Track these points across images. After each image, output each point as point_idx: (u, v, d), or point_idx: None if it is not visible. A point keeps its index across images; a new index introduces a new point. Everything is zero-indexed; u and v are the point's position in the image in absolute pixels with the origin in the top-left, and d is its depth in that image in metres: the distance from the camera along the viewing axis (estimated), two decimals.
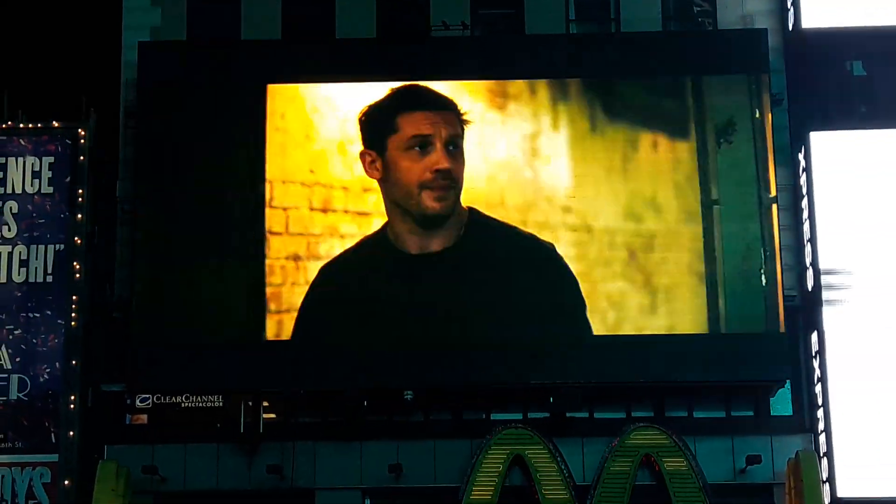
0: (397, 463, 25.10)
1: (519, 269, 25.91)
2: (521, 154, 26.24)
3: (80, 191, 26.49)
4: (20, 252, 26.17)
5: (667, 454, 24.94)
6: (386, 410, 25.77)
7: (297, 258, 25.78)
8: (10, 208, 26.32)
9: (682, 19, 28.11)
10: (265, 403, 25.95)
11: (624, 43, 27.23)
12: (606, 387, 25.43)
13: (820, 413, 25.07)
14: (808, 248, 25.82)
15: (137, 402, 25.86)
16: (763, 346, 25.25)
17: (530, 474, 24.92)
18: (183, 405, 25.89)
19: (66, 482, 25.18)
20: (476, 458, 25.00)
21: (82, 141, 26.77)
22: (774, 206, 25.90)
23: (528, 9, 28.15)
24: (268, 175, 26.01)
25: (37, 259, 26.15)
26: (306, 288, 25.73)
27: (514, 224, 25.99)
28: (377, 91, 26.68)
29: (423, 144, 26.04)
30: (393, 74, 26.90)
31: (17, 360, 25.63)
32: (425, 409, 25.86)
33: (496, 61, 27.00)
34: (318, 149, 26.28)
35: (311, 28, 28.35)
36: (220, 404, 25.87)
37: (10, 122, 27.07)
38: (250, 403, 25.87)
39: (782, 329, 25.38)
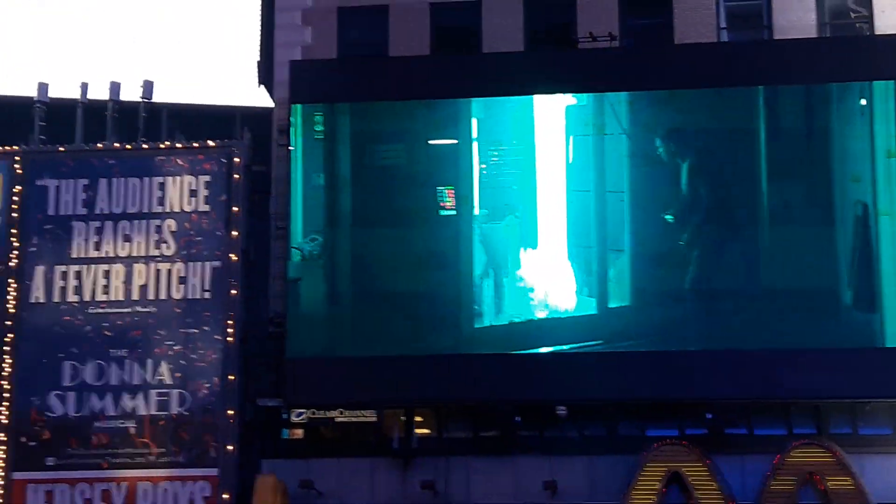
0: (552, 480, 24.92)
1: None
2: None
3: (235, 208, 26.85)
4: (179, 269, 26.65)
5: (831, 473, 24.31)
6: (539, 425, 25.66)
7: None
8: (169, 226, 26.82)
9: (839, 25, 27.57)
10: (418, 418, 26.05)
11: (777, 50, 26.73)
12: (767, 402, 24.97)
13: None
14: None
15: (293, 417, 26.15)
16: None
17: (689, 492, 24.55)
18: (338, 420, 26.09)
19: (226, 496, 25.54)
20: (633, 476, 24.73)
21: (236, 159, 27.13)
22: None
23: (677, 17, 27.81)
24: None
25: (194, 276, 26.59)
26: None
27: None
28: None
29: None
30: (539, 87, 26.81)
31: (178, 375, 26.09)
32: (579, 424, 25.70)
33: (644, 72, 26.75)
34: None
35: (459, 43, 28.46)
36: (375, 419, 26.05)
37: (167, 143, 27.60)
38: (403, 418, 26.02)
39: None
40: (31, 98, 28.82)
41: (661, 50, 27.39)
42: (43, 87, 28.88)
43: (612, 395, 25.20)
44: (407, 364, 25.46)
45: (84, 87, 29.11)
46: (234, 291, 26.40)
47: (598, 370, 25.17)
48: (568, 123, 26.51)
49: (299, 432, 26.22)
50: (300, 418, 26.14)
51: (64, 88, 29.01)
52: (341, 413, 26.05)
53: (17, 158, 27.34)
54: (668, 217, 25.69)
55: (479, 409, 25.77)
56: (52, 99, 28.78)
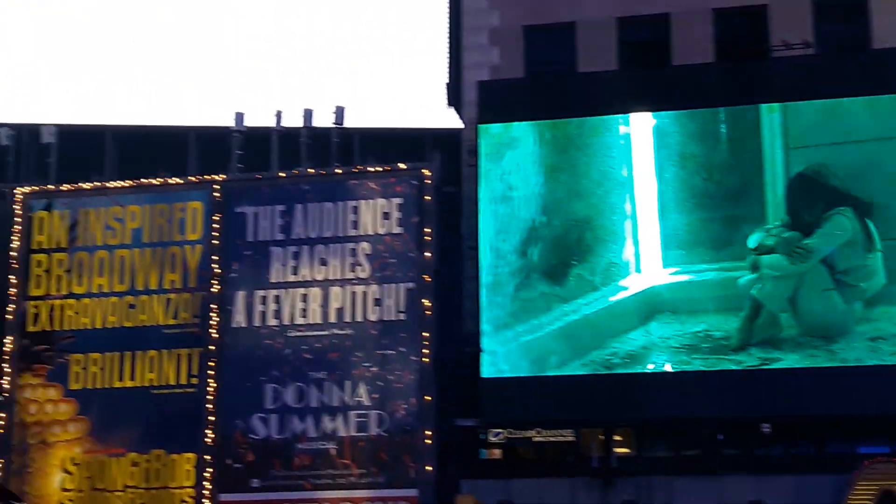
0: (758, 499, 24.26)
1: None
2: None
3: (427, 229, 26.97)
4: (374, 291, 26.89)
5: None
6: (743, 443, 25.05)
7: None
8: (363, 249, 27.10)
9: None
10: (617, 437, 25.72)
11: None
12: None
13: None
14: None
15: (491, 437, 26.10)
16: None
17: None
18: (535, 439, 25.95)
19: None
20: (843, 495, 23.92)
21: (427, 181, 27.28)
22: None
23: (874, 22, 27.00)
24: None
25: (389, 298, 26.80)
26: None
27: None
28: None
29: None
30: (731, 99, 26.27)
31: (375, 396, 26.30)
32: (786, 442, 24.98)
33: (839, 80, 25.97)
34: None
35: (647, 57, 28.16)
36: (573, 438, 25.82)
37: (360, 167, 27.95)
38: (602, 437, 25.73)
39: None
40: (229, 128, 29.60)
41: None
42: (239, 117, 29.63)
43: (820, 410, 24.47)
44: (605, 382, 25.19)
45: (279, 115, 29.77)
46: (428, 312, 26.50)
47: (804, 386, 24.48)
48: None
49: (497, 452, 26.19)
50: (497, 438, 26.09)
51: (259, 117, 29.73)
52: (539, 432, 25.92)
53: (216, 187, 28.04)
54: None
55: (680, 427, 25.32)
56: (248, 128, 29.50)
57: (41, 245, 28.39)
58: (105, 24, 33.01)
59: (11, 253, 28.24)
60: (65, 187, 28.71)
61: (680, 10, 27.89)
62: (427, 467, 25.75)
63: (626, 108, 26.47)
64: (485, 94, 27.65)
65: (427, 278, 26.71)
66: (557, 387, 25.33)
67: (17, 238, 28.32)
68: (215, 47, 32.03)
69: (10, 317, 27.95)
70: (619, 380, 25.17)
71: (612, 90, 27.00)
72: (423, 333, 26.40)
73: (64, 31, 33.08)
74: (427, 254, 26.81)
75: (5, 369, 27.68)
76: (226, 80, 32.00)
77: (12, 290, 28.04)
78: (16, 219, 28.41)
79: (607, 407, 25.16)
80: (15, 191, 28.77)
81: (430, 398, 26.09)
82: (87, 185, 28.64)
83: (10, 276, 28.10)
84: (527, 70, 28.46)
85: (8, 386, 27.46)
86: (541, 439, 25.93)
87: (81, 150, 30.63)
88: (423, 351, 26.30)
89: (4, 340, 27.84)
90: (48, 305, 28.02)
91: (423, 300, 26.56)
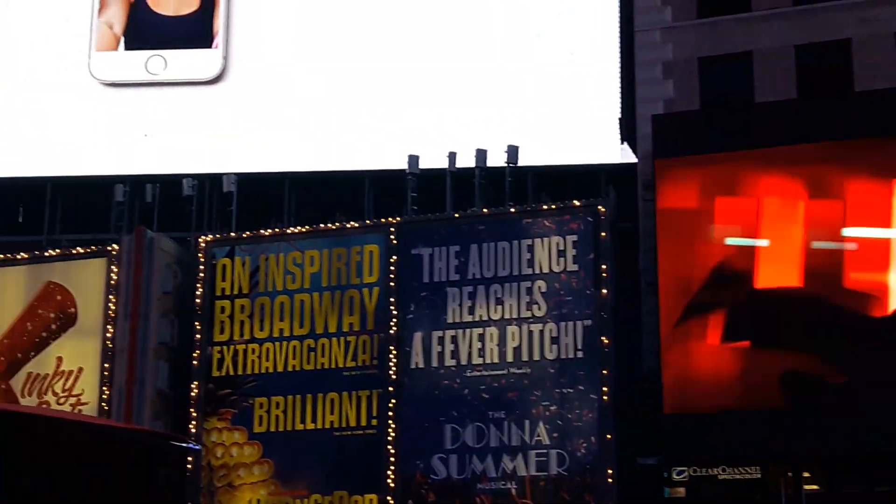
0: None
1: None
2: None
3: (604, 266, 26.68)
4: (551, 330, 26.68)
5: None
6: None
7: None
8: (539, 288, 26.94)
9: None
10: (806, 474, 24.93)
11: None
12: None
13: None
14: None
15: (674, 475, 25.57)
16: None
17: None
18: (720, 477, 25.31)
19: None
20: None
21: (602, 217, 27.01)
22: None
23: None
24: None
25: (566, 335, 26.55)
26: None
27: None
28: None
29: None
30: None
31: (555, 435, 26.03)
32: None
33: None
34: None
35: (828, 84, 27.45)
36: (759, 476, 25.11)
37: (534, 205, 27.86)
38: (790, 474, 24.96)
39: None
40: (403, 170, 29.91)
41: None
42: (413, 160, 29.93)
43: None
44: (791, 415, 24.48)
45: (452, 156, 29.96)
46: (606, 350, 26.18)
47: None
48: None
49: (681, 491, 25.60)
50: (681, 476, 25.54)
51: (433, 159, 29.89)
52: (724, 470, 25.27)
53: (392, 229, 28.28)
54: None
55: (872, 461, 24.38)
56: (422, 170, 29.75)
57: (224, 291, 29.00)
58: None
59: (196, 300, 28.96)
60: (246, 234, 29.33)
61: (862, 34, 27.14)
62: None
63: (805, 138, 25.81)
64: (659, 128, 27.34)
65: (605, 315, 26.41)
66: (742, 422, 24.67)
67: (201, 285, 29.01)
68: (387, 91, 32.42)
69: (196, 362, 28.60)
70: (805, 412, 24.45)
71: (791, 119, 26.40)
72: (602, 371, 26.06)
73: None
74: (604, 290, 26.50)
75: (192, 414, 28.32)
76: (399, 123, 32.31)
77: (197, 336, 28.70)
78: (200, 266, 29.13)
79: (795, 442, 24.38)
80: (199, 239, 29.53)
81: (610, 436, 25.71)
82: (266, 232, 29.22)
83: (195, 323, 28.78)
84: (702, 102, 28.01)
85: (195, 430, 28.05)
86: (726, 477, 25.28)
87: (261, 197, 31.30)
88: (603, 388, 25.94)
89: (191, 386, 28.49)
90: (232, 350, 28.60)
91: (601, 337, 26.25)
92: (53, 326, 29.29)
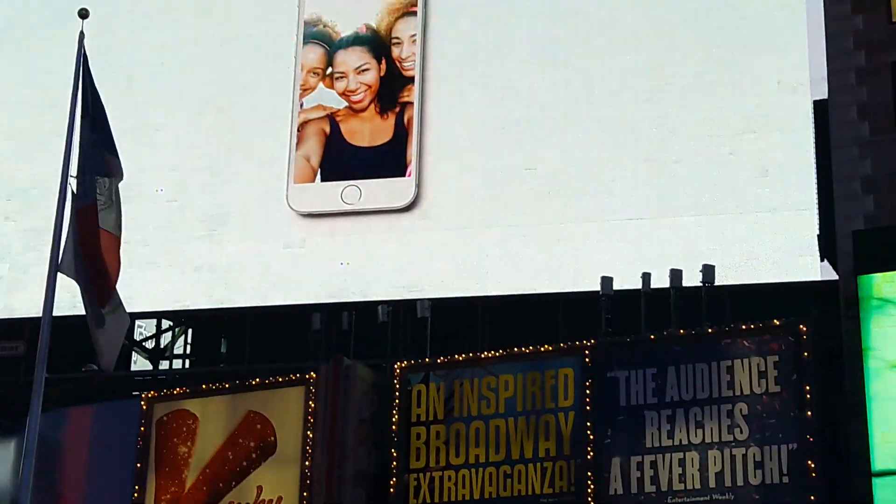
0: None
1: None
2: None
3: (808, 387, 25.81)
4: (754, 454, 25.82)
5: None
6: None
7: None
8: (741, 410, 26.17)
9: None
10: None
11: None
12: None
13: None
14: None
15: None
16: None
17: None
18: None
19: None
20: None
21: (804, 337, 26.22)
22: None
23: None
24: None
25: (771, 460, 25.65)
26: None
27: None
28: None
29: None
30: None
31: None
32: None
33: None
34: None
35: None
36: None
37: (731, 325, 27.26)
38: None
39: None
40: (597, 292, 29.70)
41: None
42: (607, 281, 29.72)
43: None
44: None
45: (646, 277, 29.65)
46: (813, 475, 25.17)
47: None
48: None
49: None
50: None
51: (626, 279, 29.67)
52: None
53: (586, 352, 27.98)
54: None
55: None
56: (615, 291, 29.50)
57: (419, 417, 29.01)
58: None
59: (392, 426, 29.03)
60: (440, 360, 29.40)
61: None
62: None
63: None
64: (860, 245, 26.63)
65: (810, 438, 25.48)
66: None
67: (396, 412, 29.10)
68: (578, 214, 32.57)
69: (393, 490, 28.55)
70: None
71: None
72: (810, 497, 25.01)
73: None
74: (809, 412, 25.61)
75: None
76: (591, 244, 32.34)
77: (394, 463, 28.70)
78: (395, 393, 29.26)
79: None
80: (394, 365, 29.71)
81: None
82: (460, 357, 29.23)
83: (391, 450, 28.82)
84: None
85: None
86: None
87: (455, 321, 31.44)
88: None
89: None
90: (428, 477, 28.46)
91: (807, 461, 25.28)
92: (254, 455, 29.68)
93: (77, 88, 20.23)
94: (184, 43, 37.80)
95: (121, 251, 19.95)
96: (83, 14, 20.45)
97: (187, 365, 36.59)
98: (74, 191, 19.61)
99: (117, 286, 19.66)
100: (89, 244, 19.41)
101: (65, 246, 19.47)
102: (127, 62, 37.25)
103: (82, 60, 20.31)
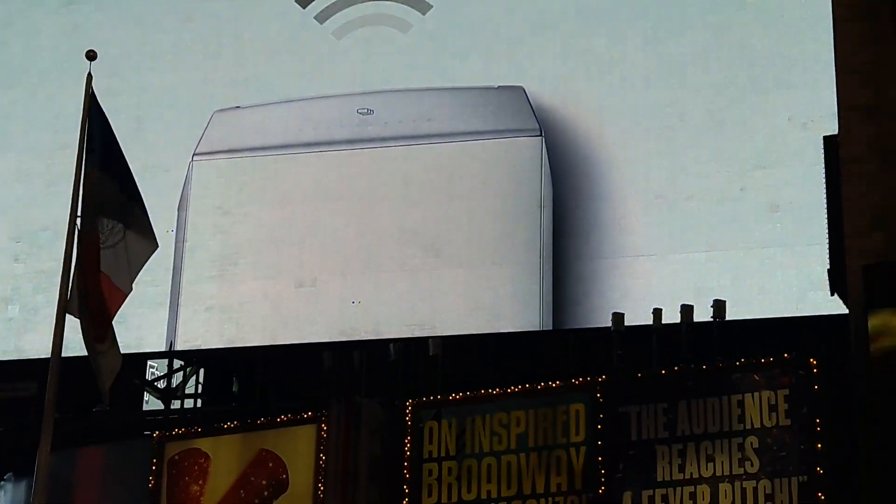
0: None
1: None
2: None
3: (818, 420, 25.74)
4: (765, 486, 25.73)
5: None
6: None
7: None
8: (751, 443, 26.11)
9: None
10: None
11: None
12: None
13: None
14: None
15: None
16: None
17: None
18: None
19: None
20: None
21: (815, 370, 26.16)
22: None
23: None
24: None
25: (781, 492, 25.52)
26: None
27: None
28: None
29: None
30: None
31: None
32: None
33: None
34: None
35: None
36: None
37: (742, 360, 27.21)
38: None
39: None
40: (608, 328, 29.71)
41: None
42: (618, 317, 29.74)
43: None
44: None
45: (657, 312, 29.67)
46: None
47: None
48: None
49: None
50: None
51: (637, 315, 29.73)
52: None
53: (597, 387, 27.93)
54: None
55: None
56: (626, 327, 29.51)
57: (431, 454, 28.96)
58: None
59: (404, 463, 28.98)
60: (451, 396, 29.38)
61: None
62: None
63: None
64: (870, 280, 26.56)
65: (820, 471, 25.38)
66: None
67: (408, 449, 29.07)
68: (588, 250, 32.67)
69: None
70: None
71: None
72: None
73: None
74: (819, 445, 25.53)
75: None
76: (601, 281, 32.38)
77: (405, 501, 28.63)
78: (407, 430, 29.23)
79: None
80: (406, 403, 29.71)
81: None
82: (472, 394, 29.22)
83: (403, 486, 28.77)
84: None
85: None
86: None
87: (466, 358, 31.44)
88: None
89: None
90: None
91: (817, 493, 25.16)
92: (266, 493, 29.67)
93: (84, 130, 20.45)
94: (193, 84, 38.09)
95: (129, 292, 20.11)
96: (91, 56, 20.74)
97: (199, 404, 36.58)
98: (80, 228, 19.81)
99: (125, 324, 19.90)
100: (89, 283, 19.58)
101: (71, 287, 19.67)
102: (135, 103, 37.50)
103: (91, 101, 20.55)
